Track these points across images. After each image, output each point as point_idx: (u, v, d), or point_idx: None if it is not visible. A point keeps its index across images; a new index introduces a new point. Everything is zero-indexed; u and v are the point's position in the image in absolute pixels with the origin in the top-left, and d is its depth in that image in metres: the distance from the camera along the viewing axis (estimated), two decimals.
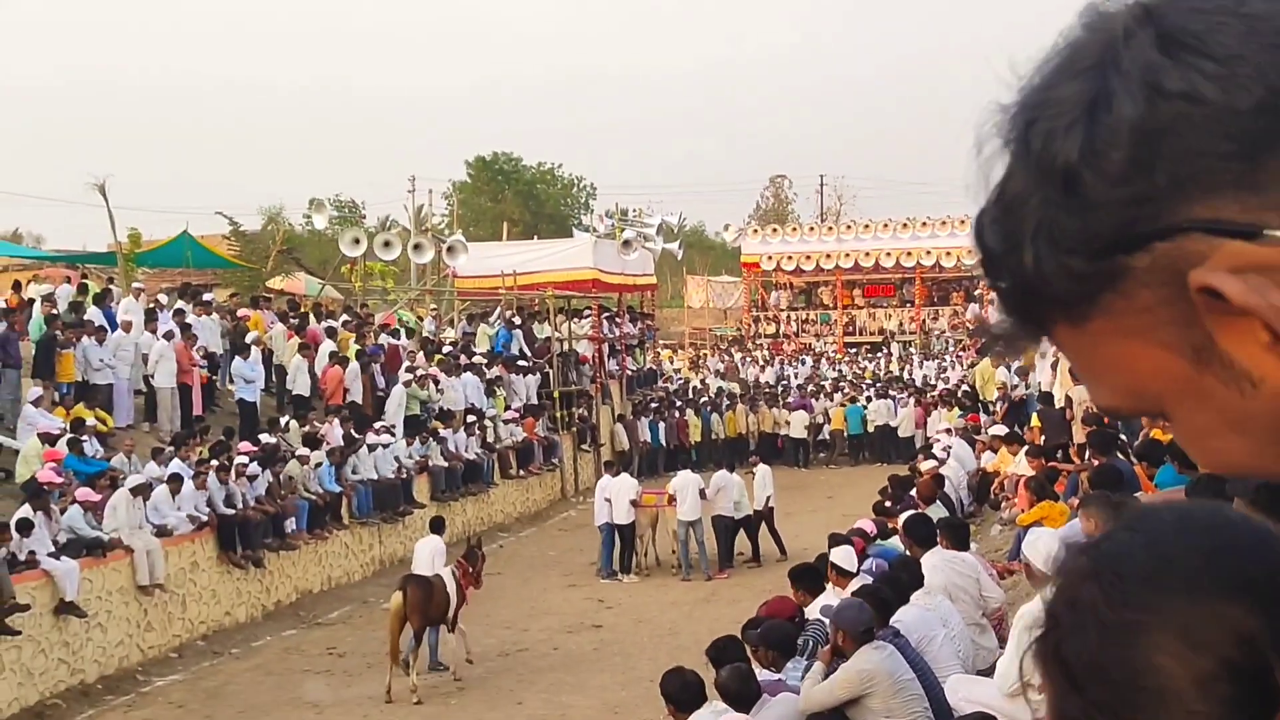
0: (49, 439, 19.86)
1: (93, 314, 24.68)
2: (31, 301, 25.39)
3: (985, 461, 23.34)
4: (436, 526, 19.93)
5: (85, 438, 20.63)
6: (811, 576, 12.17)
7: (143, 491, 19.46)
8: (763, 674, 9.41)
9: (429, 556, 18.69)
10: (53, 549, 17.40)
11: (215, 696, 17.61)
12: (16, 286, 28.30)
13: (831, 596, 11.22)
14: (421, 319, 38.01)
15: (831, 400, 43.26)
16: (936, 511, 15.97)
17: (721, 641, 9.72)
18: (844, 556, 12.30)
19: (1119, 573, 1.20)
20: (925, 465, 22.08)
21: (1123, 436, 14.78)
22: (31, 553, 16.94)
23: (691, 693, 8.19)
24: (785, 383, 48.60)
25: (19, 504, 17.99)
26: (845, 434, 41.46)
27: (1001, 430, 22.37)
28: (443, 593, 17.37)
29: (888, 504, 18.73)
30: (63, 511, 18.19)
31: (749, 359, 54.26)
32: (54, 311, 24.01)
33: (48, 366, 22.30)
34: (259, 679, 18.43)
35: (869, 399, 42.06)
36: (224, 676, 18.72)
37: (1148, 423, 12.88)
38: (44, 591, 17.05)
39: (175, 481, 20.38)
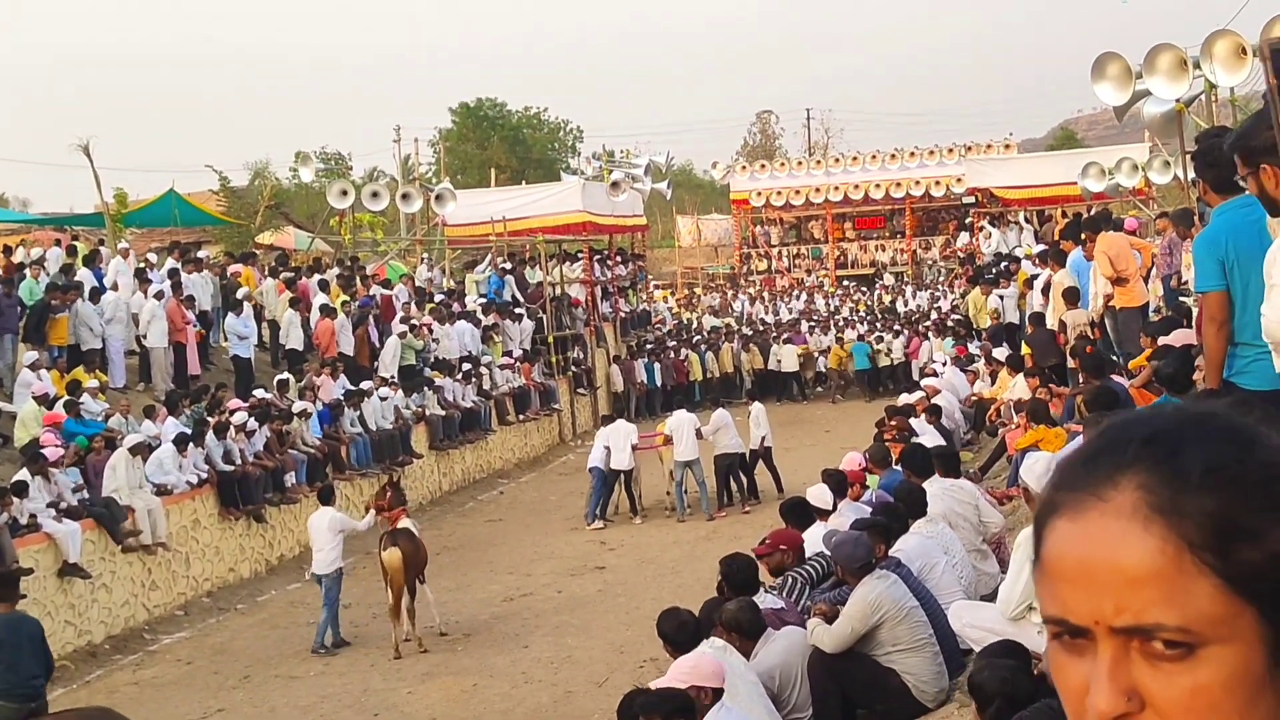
0: (45, 402, 19.86)
1: (83, 276, 24.59)
2: (22, 266, 25.28)
3: (979, 388, 23.36)
4: (325, 497, 18.31)
5: (82, 400, 20.61)
6: (800, 511, 12.21)
7: (141, 451, 19.46)
8: (770, 601, 9.44)
9: (326, 527, 17.43)
10: (53, 512, 17.43)
11: (222, 652, 17.69)
12: (6, 251, 28.20)
13: (820, 530, 11.26)
14: (415, 269, 37.90)
15: (826, 335, 43.09)
16: (931, 440, 15.98)
17: (737, 561, 9.77)
18: (818, 495, 12.36)
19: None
20: (913, 396, 22.05)
21: (1115, 358, 14.74)
22: (33, 516, 16.96)
23: (688, 633, 8.18)
24: (779, 318, 48.59)
25: (17, 468, 18.00)
26: (849, 370, 40.83)
27: (1004, 354, 22.30)
28: (422, 545, 17.11)
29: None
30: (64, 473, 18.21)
31: (743, 295, 54.26)
32: (45, 275, 23.91)
33: (40, 330, 22.23)
34: (265, 633, 18.52)
35: (869, 332, 41.62)
36: (230, 632, 18.81)
37: (1148, 341, 12.88)
38: (47, 554, 17.10)
39: (180, 442, 20.37)
